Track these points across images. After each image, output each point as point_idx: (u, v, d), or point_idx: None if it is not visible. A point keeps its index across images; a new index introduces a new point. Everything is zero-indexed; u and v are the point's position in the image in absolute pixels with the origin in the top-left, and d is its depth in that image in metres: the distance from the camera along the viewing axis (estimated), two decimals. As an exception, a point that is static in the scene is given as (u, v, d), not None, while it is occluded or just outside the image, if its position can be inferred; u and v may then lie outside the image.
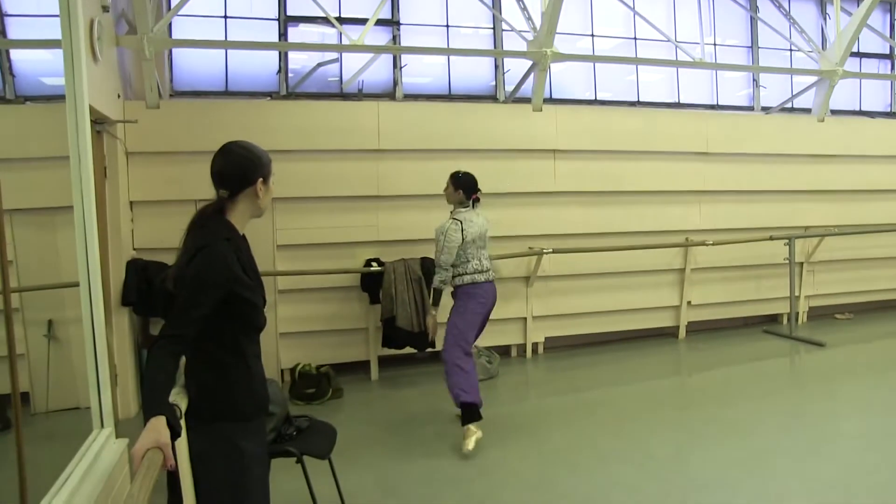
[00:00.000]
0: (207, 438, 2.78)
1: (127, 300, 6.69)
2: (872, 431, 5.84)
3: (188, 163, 6.83)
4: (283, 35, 8.08)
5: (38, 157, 5.29)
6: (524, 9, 8.19)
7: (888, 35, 10.95)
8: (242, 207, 2.88)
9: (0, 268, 3.51)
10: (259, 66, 8.07)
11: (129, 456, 2.44)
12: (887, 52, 11.04)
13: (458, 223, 5.85)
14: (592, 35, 9.22)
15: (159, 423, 2.39)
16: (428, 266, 7.61)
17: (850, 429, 5.90)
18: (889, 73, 11.04)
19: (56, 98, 4.78)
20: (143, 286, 6.71)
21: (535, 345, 8.68)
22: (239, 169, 2.86)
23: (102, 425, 4.00)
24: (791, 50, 10.21)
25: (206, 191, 2.94)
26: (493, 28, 8.78)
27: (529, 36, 8.17)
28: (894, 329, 9.94)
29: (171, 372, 2.56)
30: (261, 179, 2.88)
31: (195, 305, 2.62)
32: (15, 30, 6.74)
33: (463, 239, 5.83)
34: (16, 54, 6.88)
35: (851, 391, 7.09)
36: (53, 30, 4.03)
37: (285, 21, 8.06)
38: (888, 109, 11.12)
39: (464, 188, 5.97)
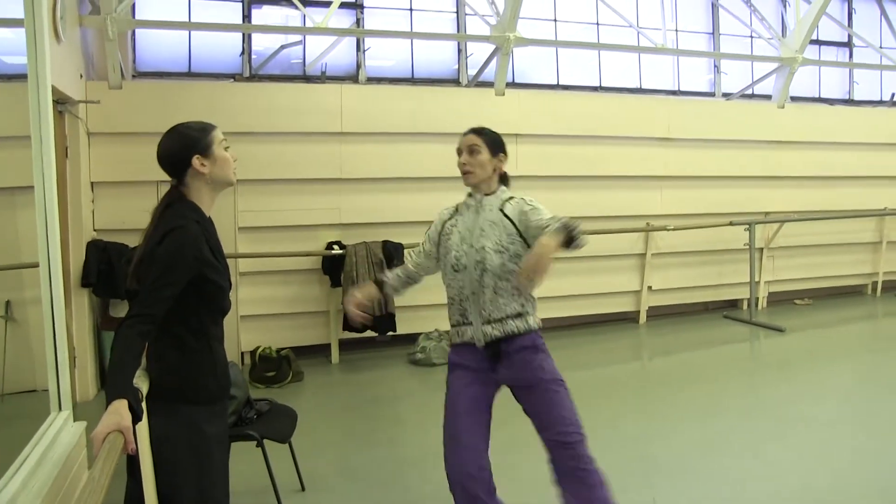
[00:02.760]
0: (169, 421, 2.76)
1: (87, 281, 6.64)
2: (831, 415, 5.91)
3: (150, 144, 6.61)
4: (246, 17, 8.05)
5: (-2, 136, 5.22)
6: (487, -7, 8.21)
7: (846, 24, 11.09)
8: (197, 188, 2.85)
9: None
10: (222, 48, 8.05)
11: (90, 439, 2.42)
12: (845, 40, 11.18)
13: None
14: (555, 20, 9.26)
15: (121, 406, 2.37)
16: (390, 250, 7.64)
17: (810, 413, 5.95)
18: (847, 61, 11.19)
19: (17, 77, 4.72)
20: (103, 267, 6.66)
21: (495, 329, 8.67)
22: (169, 156, 2.84)
23: (60, 408, 3.99)
24: (752, 37, 10.32)
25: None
26: (457, 12, 8.80)
27: (493, 20, 8.19)
28: (852, 314, 10.12)
29: (137, 353, 2.54)
30: (196, 156, 2.82)
31: (165, 285, 2.61)
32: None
33: None
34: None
35: (810, 376, 7.18)
36: (16, 8, 3.99)
37: (249, 3, 8.04)
38: (846, 97, 11.28)
39: (506, 154, 3.67)
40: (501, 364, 3.50)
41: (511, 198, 3.53)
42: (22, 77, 3.95)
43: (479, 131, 3.63)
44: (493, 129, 3.66)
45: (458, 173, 8.45)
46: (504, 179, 3.69)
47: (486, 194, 3.57)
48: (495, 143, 3.59)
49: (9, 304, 6.02)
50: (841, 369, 7.44)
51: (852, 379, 7.13)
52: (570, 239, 3.06)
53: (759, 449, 5.20)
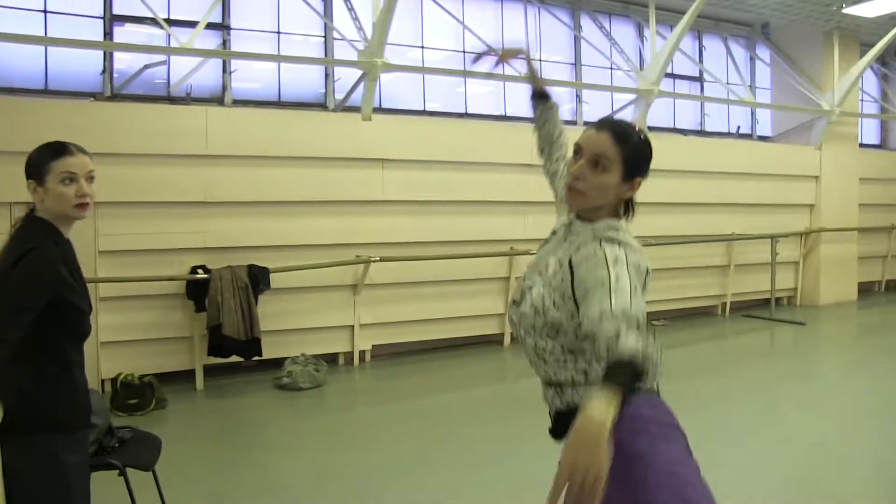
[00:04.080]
0: (26, 452, 2.66)
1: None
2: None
3: (4, 164, 6.47)
4: (108, 34, 7.84)
5: None
6: (355, 18, 8.30)
7: (697, 59, 11.70)
8: (43, 209, 2.75)
9: None
10: (82, 65, 7.81)
11: None
12: (697, 74, 11.79)
13: (638, 251, 2.36)
14: (423, 47, 9.42)
15: None
16: (256, 273, 7.57)
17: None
18: (699, 94, 11.80)
19: None
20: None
21: (362, 352, 8.71)
22: (24, 167, 2.78)
23: None
24: (612, 69, 10.75)
25: (25, 194, 2.79)
26: (325, 36, 8.84)
27: (360, 45, 8.27)
28: (705, 334, 10.68)
29: None
30: (31, 182, 2.73)
31: (22, 308, 2.53)
32: None
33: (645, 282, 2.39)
34: None
35: (670, 394, 7.46)
36: None
37: (111, 20, 7.83)
38: (699, 128, 11.89)
39: (644, 177, 2.45)
40: None
41: (609, 239, 2.29)
42: None
43: (621, 135, 2.35)
44: (641, 136, 2.41)
45: (323, 198, 8.50)
46: (626, 208, 2.47)
47: (583, 219, 2.42)
48: (636, 162, 2.37)
49: None
50: (698, 387, 7.70)
51: (706, 397, 7.40)
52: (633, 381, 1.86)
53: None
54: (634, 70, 10.39)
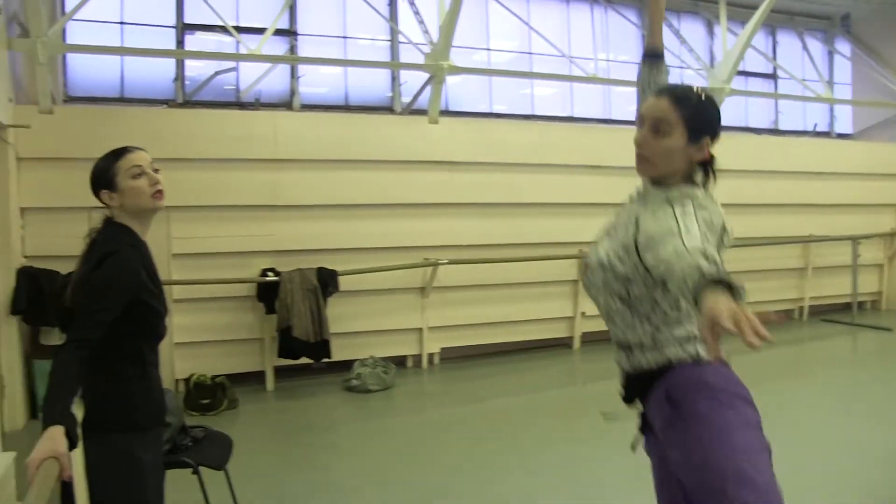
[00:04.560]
0: (103, 449, 2.71)
1: (16, 309, 6.53)
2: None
3: (82, 170, 6.60)
4: (180, 42, 8.03)
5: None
6: (421, 22, 8.31)
7: (771, 56, 11.44)
8: (120, 214, 2.82)
9: None
10: (156, 74, 8.02)
11: (24, 466, 2.35)
12: (771, 71, 11.53)
13: (711, 206, 2.32)
14: (488, 49, 9.41)
15: (56, 433, 2.34)
16: (324, 276, 7.64)
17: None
18: (773, 91, 11.54)
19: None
20: (33, 295, 6.56)
21: (430, 355, 8.71)
22: (91, 186, 2.84)
23: (-12, 438, 3.92)
24: (681, 67, 10.56)
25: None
26: (391, 40, 8.89)
27: (426, 48, 8.28)
28: (780, 338, 9.76)
29: (75, 378, 2.49)
30: (105, 192, 2.80)
31: (102, 309, 2.58)
32: None
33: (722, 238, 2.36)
34: None
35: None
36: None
37: (183, 29, 8.02)
38: (773, 126, 11.62)
39: (714, 137, 2.39)
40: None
41: (681, 201, 2.22)
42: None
43: (681, 97, 2.33)
44: (702, 97, 2.37)
45: (391, 200, 8.53)
46: (705, 170, 2.39)
47: (658, 184, 2.38)
48: (699, 123, 2.31)
49: (-67, 332, 5.91)
50: (769, 393, 7.49)
51: (783, 403, 7.18)
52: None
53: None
54: (705, 68, 10.20)
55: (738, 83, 10.62)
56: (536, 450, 5.80)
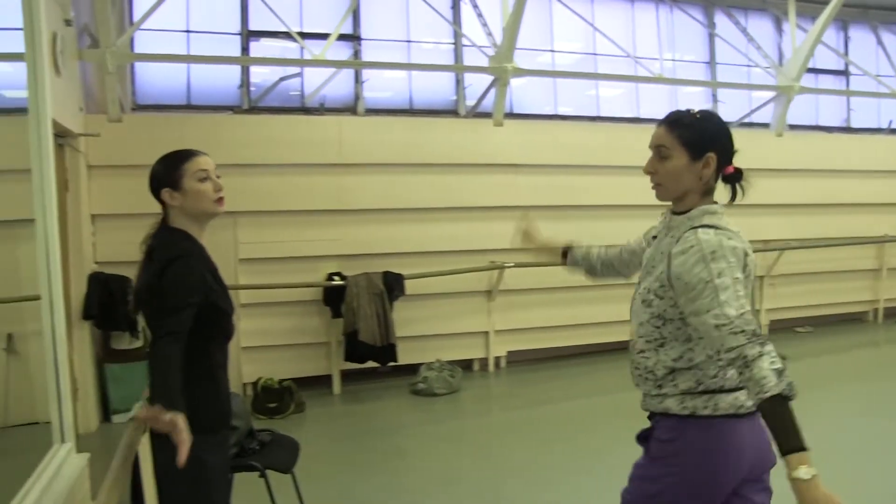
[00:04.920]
0: (172, 452, 2.71)
1: (88, 314, 6.64)
2: (828, 445, 5.84)
3: (149, 177, 6.81)
4: (245, 49, 8.10)
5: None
6: (485, 24, 8.27)
7: (843, 51, 11.15)
8: (178, 217, 2.85)
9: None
10: (221, 81, 8.09)
11: (137, 418, 2.49)
12: (842, 68, 11.24)
13: (738, 240, 2.39)
14: (552, 50, 9.32)
15: (179, 418, 2.41)
16: (391, 280, 7.64)
17: (810, 440, 5.84)
18: (844, 88, 11.25)
19: (18, 111, 4.76)
20: (104, 300, 6.67)
21: (497, 359, 8.67)
22: (150, 186, 2.86)
23: (63, 440, 3.97)
24: (749, 66, 10.37)
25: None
26: (454, 43, 8.85)
27: (490, 51, 8.24)
28: (852, 342, 10.08)
29: (177, 366, 2.52)
30: (167, 190, 2.81)
31: (183, 306, 2.60)
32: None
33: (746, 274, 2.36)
34: (-23, 67, 6.88)
35: (810, 405, 7.08)
36: (16, 43, 4.02)
37: (247, 35, 8.08)
38: (844, 124, 11.32)
39: (719, 151, 2.46)
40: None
41: (704, 225, 2.35)
42: (22, 111, 3.97)
43: (674, 121, 2.46)
44: (697, 116, 2.48)
45: (457, 204, 8.51)
46: (732, 186, 2.52)
47: (678, 212, 2.49)
48: (698, 140, 2.41)
49: (10, 336, 6.02)
50: (844, 397, 7.37)
51: (858, 407, 7.05)
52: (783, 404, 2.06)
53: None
54: (773, 66, 9.99)
55: (808, 81, 10.36)
56: (603, 453, 5.70)
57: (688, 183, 2.43)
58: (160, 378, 2.48)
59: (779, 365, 2.06)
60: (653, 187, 2.52)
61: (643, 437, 2.58)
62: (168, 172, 2.82)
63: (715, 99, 10.24)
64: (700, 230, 2.31)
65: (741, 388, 2.31)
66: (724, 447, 2.34)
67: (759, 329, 2.13)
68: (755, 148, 9.65)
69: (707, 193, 2.46)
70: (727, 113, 10.15)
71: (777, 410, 2.04)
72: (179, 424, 2.39)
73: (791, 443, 2.02)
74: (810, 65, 10.12)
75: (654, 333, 2.47)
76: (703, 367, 2.37)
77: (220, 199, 2.87)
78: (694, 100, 10.22)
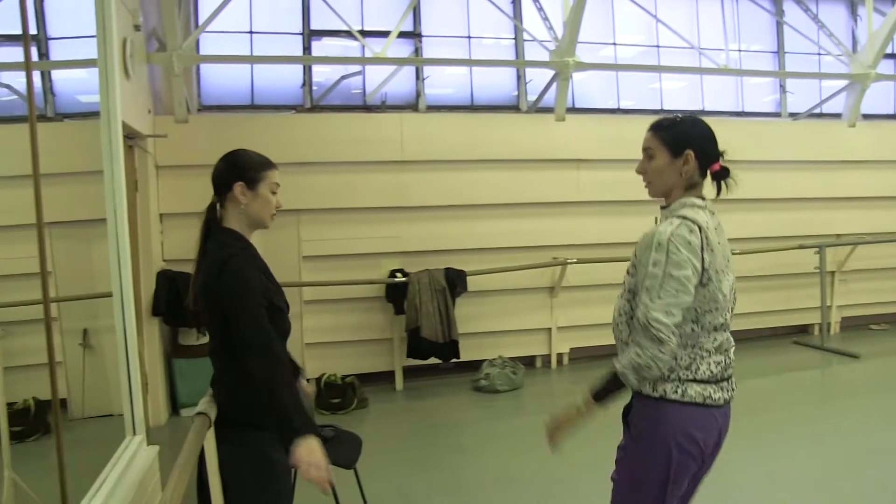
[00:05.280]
0: (236, 447, 2.79)
1: (157, 310, 6.82)
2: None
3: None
4: (307, 49, 8.17)
5: (74, 171, 5.35)
6: (545, 18, 8.20)
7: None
8: (232, 215, 2.88)
9: (41, 279, 3.61)
10: (284, 80, 8.18)
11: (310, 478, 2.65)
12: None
13: (696, 227, 2.62)
14: (614, 43, 9.21)
15: (318, 445, 2.64)
16: (452, 277, 7.64)
17: (884, 444, 5.69)
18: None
19: (91, 115, 4.95)
20: (172, 297, 6.82)
21: (559, 355, 8.62)
22: (217, 175, 2.89)
23: (135, 432, 4.08)
24: (819, 54, 10.10)
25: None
26: (515, 38, 8.80)
27: (551, 45, 8.17)
28: None
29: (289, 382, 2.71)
30: (241, 184, 2.84)
31: (255, 305, 2.67)
32: (55, 51, 6.94)
33: (704, 268, 2.62)
34: (56, 74, 7.09)
35: (887, 404, 6.90)
36: (89, 49, 4.13)
37: (309, 35, 8.15)
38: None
39: (697, 149, 2.75)
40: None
41: (676, 214, 2.67)
42: (96, 115, 4.08)
43: (657, 126, 2.81)
44: (677, 120, 2.80)
45: (518, 200, 8.46)
46: (718, 182, 2.81)
47: (664, 207, 2.81)
48: (678, 140, 2.73)
49: (86, 332, 6.20)
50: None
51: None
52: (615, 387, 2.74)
53: (829, 481, 5.03)
54: (846, 53, 9.69)
55: (885, 67, 10.04)
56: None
57: (671, 179, 2.75)
58: (293, 401, 2.68)
59: (639, 361, 2.57)
60: (645, 185, 2.84)
61: (627, 412, 2.92)
62: (251, 169, 2.88)
63: (783, 89, 9.98)
64: (667, 221, 2.65)
65: (711, 382, 2.67)
66: (690, 431, 2.65)
67: (664, 329, 2.52)
68: (826, 139, 9.46)
69: (691, 188, 2.75)
70: (796, 104, 9.95)
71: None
72: (319, 454, 2.66)
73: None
74: (888, 50, 9.80)
75: (625, 306, 2.79)
76: (679, 353, 2.65)
77: (274, 216, 2.97)
78: (761, 91, 10.00)
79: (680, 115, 2.84)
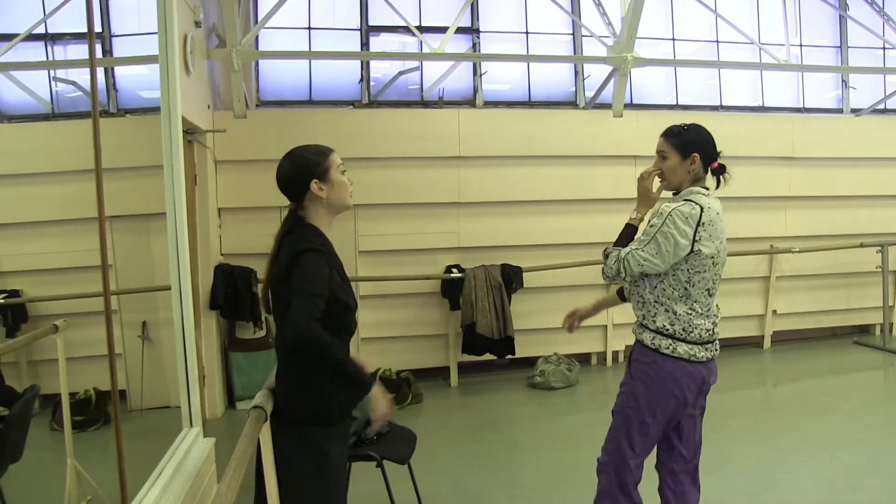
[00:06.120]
0: (294, 441, 2.82)
1: (215, 304, 6.90)
2: None
3: (273, 171, 6.93)
4: (365, 45, 8.21)
5: (135, 166, 5.45)
6: (604, 14, 8.14)
7: None
8: (315, 211, 2.91)
9: (102, 271, 3.68)
10: (342, 76, 8.23)
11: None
12: None
13: (699, 208, 3.34)
14: (673, 39, 9.12)
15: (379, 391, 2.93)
16: (508, 273, 7.64)
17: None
18: None
19: (152, 110, 5.03)
20: (229, 290, 6.91)
21: (615, 353, 8.57)
22: (287, 180, 2.92)
23: (191, 424, 4.15)
24: (884, 48, 9.89)
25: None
26: (573, 34, 8.76)
27: (609, 41, 8.10)
28: None
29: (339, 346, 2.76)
30: (314, 181, 2.87)
31: (315, 294, 2.68)
32: (118, 48, 7.05)
33: (695, 239, 3.36)
34: (119, 70, 7.20)
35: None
36: (151, 46, 4.20)
37: (367, 31, 8.19)
38: None
39: (701, 152, 3.49)
40: None
41: (686, 200, 3.41)
42: (157, 110, 4.15)
43: (668, 133, 3.55)
44: (685, 128, 3.55)
45: (575, 196, 8.40)
46: (717, 178, 3.59)
47: (675, 194, 3.56)
48: (686, 144, 3.47)
49: (145, 324, 6.29)
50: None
51: None
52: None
53: (891, 485, 4.95)
54: (913, 47, 9.50)
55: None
56: (725, 451, 5.57)
57: (681, 175, 3.51)
58: (343, 368, 2.74)
59: (610, 264, 3.59)
60: (660, 180, 3.61)
61: (630, 355, 3.70)
62: (318, 162, 2.91)
63: (846, 85, 9.79)
64: (675, 201, 3.44)
65: (698, 344, 3.44)
66: (677, 377, 3.42)
67: (627, 267, 3.48)
68: (890, 136, 9.26)
69: (696, 181, 3.50)
70: (859, 100, 9.76)
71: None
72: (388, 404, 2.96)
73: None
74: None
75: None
76: (677, 311, 3.44)
77: (351, 194, 3.01)
78: (822, 86, 9.83)
79: (686, 124, 3.56)
